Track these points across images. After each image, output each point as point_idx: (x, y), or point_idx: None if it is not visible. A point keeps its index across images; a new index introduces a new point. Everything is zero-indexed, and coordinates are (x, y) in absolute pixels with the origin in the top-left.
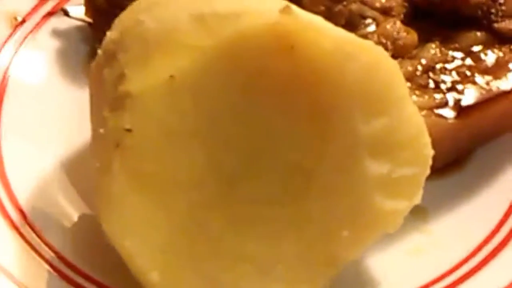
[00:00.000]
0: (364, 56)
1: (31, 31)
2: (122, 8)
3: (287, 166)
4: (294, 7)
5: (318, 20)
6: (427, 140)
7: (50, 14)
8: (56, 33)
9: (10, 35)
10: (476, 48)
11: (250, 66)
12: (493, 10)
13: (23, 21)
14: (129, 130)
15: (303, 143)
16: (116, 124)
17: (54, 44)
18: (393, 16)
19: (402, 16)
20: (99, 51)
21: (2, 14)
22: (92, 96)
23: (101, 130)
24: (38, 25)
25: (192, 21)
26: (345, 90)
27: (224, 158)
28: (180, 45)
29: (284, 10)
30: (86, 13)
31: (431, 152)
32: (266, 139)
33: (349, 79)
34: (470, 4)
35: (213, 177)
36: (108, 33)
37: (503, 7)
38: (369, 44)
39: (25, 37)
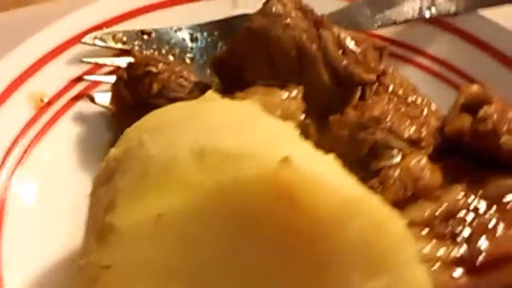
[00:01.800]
0: (368, 217)
1: (55, 115)
2: (147, 105)
3: None
4: (295, 157)
5: (321, 173)
6: None
7: (76, 98)
8: (81, 118)
9: (35, 117)
10: (506, 198)
11: (246, 212)
12: None
13: (49, 103)
14: (107, 267)
15: None
16: (96, 258)
17: (77, 129)
18: (422, 147)
19: (431, 149)
20: (101, 164)
21: (29, 95)
22: (90, 209)
23: (82, 261)
24: (63, 108)
25: (192, 156)
26: (345, 248)
27: None
28: (175, 181)
29: (283, 161)
30: (112, 103)
31: None
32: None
33: (350, 238)
34: (504, 150)
35: None
36: (112, 149)
37: None
38: (375, 203)
39: (49, 121)
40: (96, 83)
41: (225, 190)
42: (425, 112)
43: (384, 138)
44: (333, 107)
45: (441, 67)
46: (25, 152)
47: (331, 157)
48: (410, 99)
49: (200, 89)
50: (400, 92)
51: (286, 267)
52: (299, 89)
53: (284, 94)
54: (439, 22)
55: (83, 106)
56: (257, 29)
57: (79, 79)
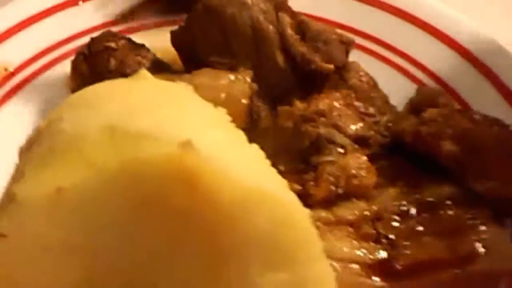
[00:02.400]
0: (272, 211)
1: (18, 85)
2: (103, 78)
3: None
4: (201, 143)
5: (229, 162)
6: None
7: (41, 70)
8: (43, 90)
9: None
10: (438, 206)
11: (146, 194)
12: (470, 166)
13: (13, 73)
14: (3, 236)
15: (195, 282)
16: None
17: (38, 100)
18: (368, 145)
19: (378, 148)
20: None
21: None
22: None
23: None
24: (26, 79)
25: (101, 134)
26: (245, 239)
27: (103, 281)
28: (80, 157)
29: (184, 145)
30: (71, 77)
31: None
32: (151, 270)
33: (251, 229)
34: (442, 154)
35: None
36: (41, 121)
37: (484, 165)
38: (283, 198)
39: (11, 90)
40: (63, 57)
41: (127, 169)
42: (380, 110)
43: (327, 133)
44: (291, 93)
45: (408, 64)
46: None
47: (253, 147)
48: (368, 96)
49: (158, 67)
50: (360, 88)
51: (183, 252)
52: (248, 72)
53: (232, 77)
54: (409, 16)
55: (47, 78)
56: (213, 5)
57: (45, 51)
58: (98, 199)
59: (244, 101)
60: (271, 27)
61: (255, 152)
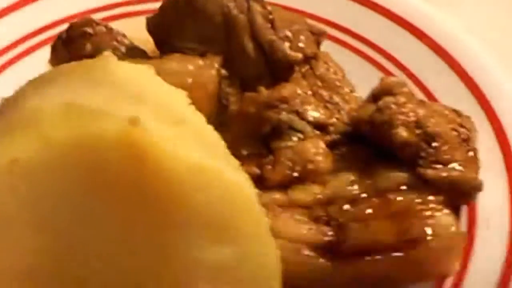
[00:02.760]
0: (217, 187)
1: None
2: None
3: (120, 275)
4: (145, 119)
5: (173, 140)
6: (277, 283)
7: (23, 54)
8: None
9: None
10: (389, 192)
11: (96, 168)
12: (423, 154)
13: None
14: None
15: (141, 256)
16: None
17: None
18: (329, 133)
19: (339, 136)
20: None
21: None
22: None
23: None
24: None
25: (58, 109)
26: (190, 214)
27: (57, 252)
28: (36, 130)
29: (132, 121)
30: (50, 61)
31: None
32: (102, 242)
33: (195, 206)
34: (396, 141)
35: (43, 269)
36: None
37: (437, 152)
38: (228, 175)
39: None
40: (45, 42)
41: (79, 144)
42: (345, 99)
43: (288, 119)
44: (261, 80)
45: (378, 54)
46: None
47: (208, 129)
48: (334, 85)
49: (134, 53)
50: (327, 77)
51: (131, 224)
52: (216, 59)
53: (200, 63)
54: (379, 7)
55: (28, 62)
56: None
57: (28, 36)
58: (51, 171)
59: (211, 86)
60: (241, 15)
61: (210, 133)
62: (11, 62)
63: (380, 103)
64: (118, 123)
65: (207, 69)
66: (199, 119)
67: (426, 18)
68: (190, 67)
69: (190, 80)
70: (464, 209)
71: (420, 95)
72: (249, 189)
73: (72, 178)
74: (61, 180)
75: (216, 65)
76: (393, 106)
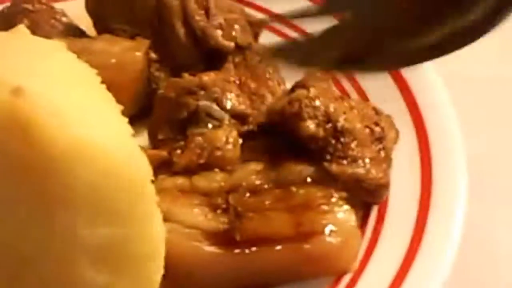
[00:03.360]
0: (98, 161)
1: None
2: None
3: (4, 249)
4: (32, 88)
5: (64, 113)
6: (159, 265)
7: None
8: None
9: None
10: (294, 182)
11: None
12: (330, 149)
13: None
14: None
15: (26, 229)
16: None
17: None
18: (247, 123)
19: (255, 126)
20: None
21: None
22: None
23: None
24: None
25: None
26: (73, 190)
27: None
28: None
29: (16, 91)
30: None
31: (159, 278)
32: None
33: (78, 180)
34: (303, 134)
35: None
36: None
37: (344, 148)
38: (116, 154)
39: None
40: None
41: None
42: (272, 91)
43: (206, 106)
44: (194, 67)
45: None
46: None
47: (111, 108)
48: (263, 77)
49: (72, 32)
50: (257, 69)
51: (15, 203)
52: (144, 42)
53: (126, 44)
54: None
55: None
56: None
57: None
58: None
59: (135, 68)
60: (175, 0)
61: (112, 114)
62: None
63: (293, 95)
64: (1, 93)
65: (133, 51)
66: (102, 97)
67: None
68: (116, 48)
69: (113, 61)
70: (374, 208)
71: (354, 95)
72: (141, 171)
73: None
74: None
75: (144, 48)
76: (304, 99)
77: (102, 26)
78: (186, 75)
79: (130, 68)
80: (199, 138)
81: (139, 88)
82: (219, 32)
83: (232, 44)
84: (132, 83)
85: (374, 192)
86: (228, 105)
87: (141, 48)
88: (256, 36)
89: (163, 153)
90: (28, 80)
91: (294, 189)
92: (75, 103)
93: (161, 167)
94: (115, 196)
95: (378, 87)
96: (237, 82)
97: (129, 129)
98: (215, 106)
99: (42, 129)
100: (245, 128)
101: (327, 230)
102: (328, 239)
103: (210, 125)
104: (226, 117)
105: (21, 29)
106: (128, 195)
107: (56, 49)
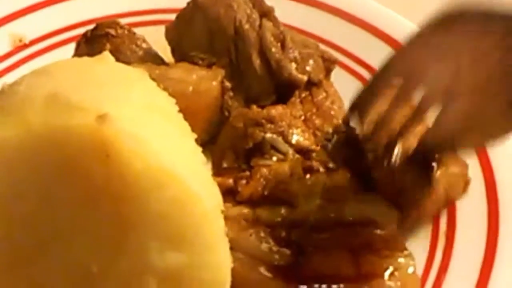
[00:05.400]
0: (172, 189)
1: (29, 56)
2: None
3: (75, 263)
4: (116, 115)
5: (144, 140)
6: None
7: (53, 46)
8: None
9: (10, 53)
10: (357, 222)
11: (63, 159)
12: None
13: (26, 45)
14: None
15: (98, 247)
16: None
17: None
18: (311, 159)
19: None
20: None
21: (9, 35)
22: None
23: None
24: (38, 52)
25: (43, 99)
26: (146, 215)
27: (20, 236)
28: (19, 115)
29: (102, 117)
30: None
31: None
32: (64, 230)
33: (152, 205)
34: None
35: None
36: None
37: None
38: (189, 183)
39: (22, 60)
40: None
41: (53, 134)
42: (337, 129)
43: (272, 139)
44: (267, 98)
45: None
46: None
47: (187, 137)
48: (329, 115)
49: (151, 58)
50: (324, 106)
51: (90, 222)
52: (220, 71)
53: (203, 73)
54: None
55: (55, 55)
56: (201, 3)
57: (59, 31)
58: (24, 155)
59: (210, 96)
60: (252, 31)
61: (188, 142)
62: (39, 53)
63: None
64: (87, 118)
65: (209, 80)
66: (181, 127)
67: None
68: (193, 76)
69: (190, 89)
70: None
71: None
72: (212, 202)
73: (41, 164)
74: (30, 165)
75: (220, 77)
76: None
77: (180, 53)
78: (254, 107)
79: (206, 96)
80: (265, 170)
81: (213, 116)
82: (293, 65)
83: (305, 77)
84: (206, 111)
85: None
86: (293, 139)
87: (217, 77)
88: (328, 72)
89: (229, 181)
90: (112, 107)
91: (356, 228)
92: (155, 131)
93: (224, 195)
94: (186, 223)
95: None
96: (303, 117)
97: (202, 158)
98: (280, 140)
99: (122, 155)
100: (308, 163)
101: (387, 273)
102: (388, 283)
103: (274, 158)
104: (290, 151)
105: (106, 56)
106: (199, 223)
107: (140, 78)
